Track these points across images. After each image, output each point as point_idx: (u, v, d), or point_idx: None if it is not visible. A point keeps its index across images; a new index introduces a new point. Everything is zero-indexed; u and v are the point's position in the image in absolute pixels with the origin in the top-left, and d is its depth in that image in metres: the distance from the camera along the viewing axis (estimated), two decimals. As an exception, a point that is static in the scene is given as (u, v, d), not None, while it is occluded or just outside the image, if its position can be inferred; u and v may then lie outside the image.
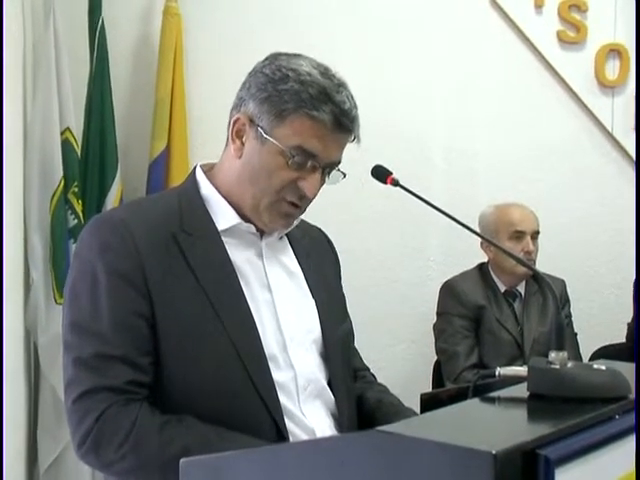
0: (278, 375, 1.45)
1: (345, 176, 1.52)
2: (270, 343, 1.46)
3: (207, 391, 1.40)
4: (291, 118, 1.43)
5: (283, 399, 1.45)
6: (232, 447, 1.19)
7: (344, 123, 1.44)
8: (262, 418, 1.42)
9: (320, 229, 1.78)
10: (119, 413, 1.35)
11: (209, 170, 1.57)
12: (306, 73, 1.44)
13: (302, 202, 1.50)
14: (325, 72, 1.46)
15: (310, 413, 1.48)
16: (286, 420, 1.44)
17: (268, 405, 1.42)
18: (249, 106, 1.47)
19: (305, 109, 1.42)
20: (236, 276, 1.47)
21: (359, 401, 1.65)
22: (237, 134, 1.50)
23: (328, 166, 1.49)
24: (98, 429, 1.35)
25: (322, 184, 1.50)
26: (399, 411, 1.60)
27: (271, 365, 1.45)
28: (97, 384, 1.37)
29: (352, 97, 1.47)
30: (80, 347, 1.40)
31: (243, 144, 1.49)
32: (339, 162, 1.51)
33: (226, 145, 1.55)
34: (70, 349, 1.41)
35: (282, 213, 1.50)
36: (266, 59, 1.51)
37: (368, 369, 1.78)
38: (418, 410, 1.61)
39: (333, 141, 1.46)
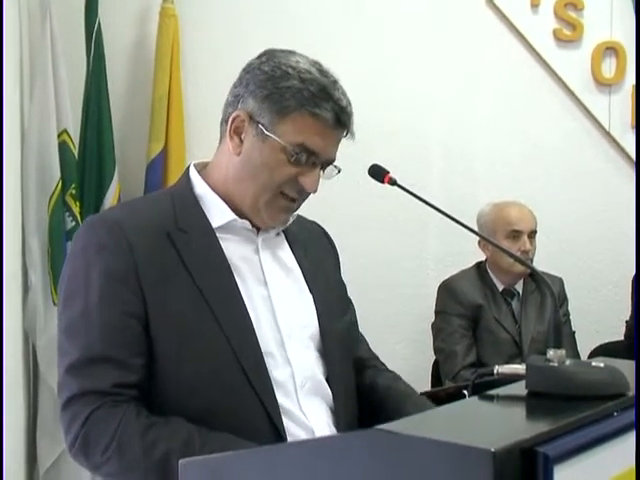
0: (276, 373, 1.45)
1: (340, 171, 1.55)
2: (267, 339, 1.46)
3: (203, 390, 1.40)
4: (293, 115, 1.45)
5: (281, 398, 1.44)
6: (217, 449, 1.21)
7: (343, 120, 1.48)
8: (259, 417, 1.41)
9: (317, 223, 1.78)
10: (105, 416, 1.36)
11: (203, 169, 1.57)
12: (306, 71, 1.46)
13: (300, 196, 1.51)
14: (321, 69, 1.49)
15: (309, 411, 1.48)
16: (284, 419, 1.43)
17: (265, 404, 1.41)
18: (248, 103, 1.48)
19: (307, 107, 1.44)
20: (232, 273, 1.47)
21: (370, 389, 1.64)
22: (235, 131, 1.50)
23: (326, 162, 1.51)
24: (84, 433, 1.37)
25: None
26: (409, 396, 1.60)
27: (268, 362, 1.44)
28: (83, 388, 1.38)
29: (346, 93, 1.50)
30: (70, 352, 1.41)
31: (242, 141, 1.49)
32: (335, 158, 1.53)
33: (220, 142, 1.55)
34: (62, 354, 1.43)
35: (281, 208, 1.51)
36: (262, 55, 1.53)
37: (377, 357, 1.76)
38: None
39: (332, 138, 1.49)
